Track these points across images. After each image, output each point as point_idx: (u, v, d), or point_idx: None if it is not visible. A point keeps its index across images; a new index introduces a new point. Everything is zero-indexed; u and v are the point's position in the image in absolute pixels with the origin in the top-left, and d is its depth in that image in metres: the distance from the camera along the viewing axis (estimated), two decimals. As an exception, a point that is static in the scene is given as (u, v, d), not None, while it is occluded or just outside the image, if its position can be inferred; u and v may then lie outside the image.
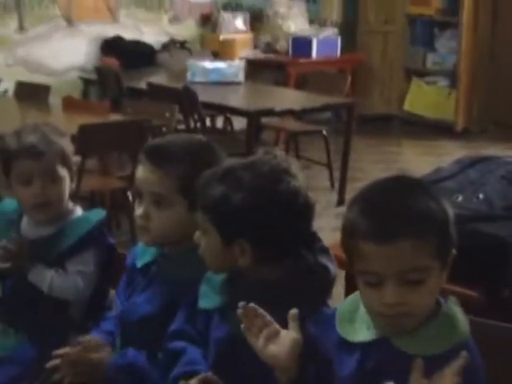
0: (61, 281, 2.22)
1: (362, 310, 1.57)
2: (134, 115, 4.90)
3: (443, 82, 8.23)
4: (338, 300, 1.75)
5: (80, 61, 7.20)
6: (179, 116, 5.28)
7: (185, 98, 5.45)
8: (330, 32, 8.12)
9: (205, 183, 1.74)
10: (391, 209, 1.47)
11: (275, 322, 1.55)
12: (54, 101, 5.53)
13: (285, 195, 1.69)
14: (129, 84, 6.20)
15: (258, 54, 7.95)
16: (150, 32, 7.62)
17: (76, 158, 2.83)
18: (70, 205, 2.31)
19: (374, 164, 6.84)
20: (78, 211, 2.32)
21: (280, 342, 1.53)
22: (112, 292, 2.27)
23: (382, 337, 1.54)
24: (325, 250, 1.78)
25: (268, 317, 1.55)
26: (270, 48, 8.03)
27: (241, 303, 1.55)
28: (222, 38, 7.72)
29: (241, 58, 7.23)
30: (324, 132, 6.25)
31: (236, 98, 6.12)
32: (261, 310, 1.55)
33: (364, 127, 7.77)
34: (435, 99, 8.20)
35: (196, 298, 1.83)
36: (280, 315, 1.55)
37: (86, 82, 7.09)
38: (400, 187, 1.54)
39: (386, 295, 1.46)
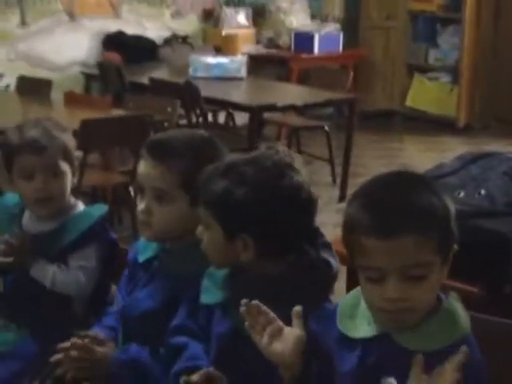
0: (63, 276, 2.21)
1: (363, 305, 1.57)
2: (136, 110, 4.89)
3: (445, 78, 8.22)
4: (340, 295, 1.74)
5: (82, 56, 7.19)
6: (181, 111, 5.28)
7: (187, 93, 5.45)
8: (332, 27, 8.12)
9: (207, 178, 1.74)
10: (393, 204, 1.47)
11: (278, 317, 1.55)
12: (56, 96, 5.53)
13: (288, 190, 1.69)
14: (131, 79, 6.19)
15: (260, 50, 7.95)
16: (152, 27, 7.61)
17: (78, 153, 2.83)
18: (72, 200, 2.31)
19: (375, 160, 6.83)
20: (80, 206, 2.32)
21: (284, 339, 1.53)
22: (114, 287, 2.28)
23: (383, 332, 1.53)
24: (327, 246, 1.78)
25: (271, 314, 1.54)
26: (272, 43, 8.03)
27: (243, 301, 1.54)
28: (224, 33, 7.71)
29: (243, 54, 7.23)
30: (326, 127, 6.24)
31: (238, 94, 6.11)
32: (264, 307, 1.54)
33: (366, 123, 7.76)
34: (437, 95, 8.18)
35: (198, 293, 1.83)
36: (282, 310, 1.55)
37: (88, 77, 7.08)
38: (402, 182, 1.54)
39: (387, 290, 1.45)
